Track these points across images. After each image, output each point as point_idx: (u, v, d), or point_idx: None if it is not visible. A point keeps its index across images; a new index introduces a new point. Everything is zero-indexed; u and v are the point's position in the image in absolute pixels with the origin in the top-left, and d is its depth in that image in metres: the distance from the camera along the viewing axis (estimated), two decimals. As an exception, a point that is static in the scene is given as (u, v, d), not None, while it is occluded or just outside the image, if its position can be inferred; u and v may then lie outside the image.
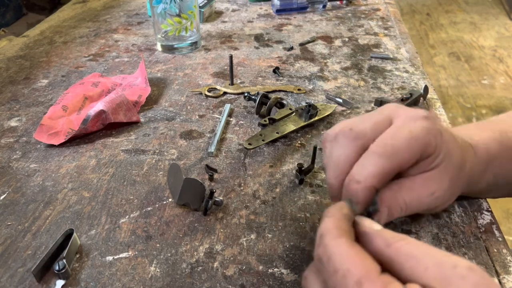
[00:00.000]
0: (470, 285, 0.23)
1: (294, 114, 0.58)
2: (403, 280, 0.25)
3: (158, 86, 0.69)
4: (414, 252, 0.25)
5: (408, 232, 0.42)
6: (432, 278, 0.24)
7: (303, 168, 0.48)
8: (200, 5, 0.93)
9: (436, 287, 0.24)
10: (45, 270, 0.38)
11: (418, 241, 0.26)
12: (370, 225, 0.29)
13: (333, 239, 0.27)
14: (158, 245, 0.41)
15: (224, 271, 0.38)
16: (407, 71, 0.72)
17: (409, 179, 0.34)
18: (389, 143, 0.31)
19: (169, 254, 0.40)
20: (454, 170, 0.35)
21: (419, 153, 0.32)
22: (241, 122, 0.60)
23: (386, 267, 0.26)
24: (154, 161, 0.52)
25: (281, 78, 0.71)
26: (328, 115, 0.60)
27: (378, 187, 0.31)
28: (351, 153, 0.33)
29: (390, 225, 0.42)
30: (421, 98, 0.63)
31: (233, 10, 1.03)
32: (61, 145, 0.55)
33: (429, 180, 0.34)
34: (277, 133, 0.55)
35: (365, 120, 0.34)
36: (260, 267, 0.39)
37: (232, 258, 0.40)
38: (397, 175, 0.34)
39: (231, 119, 0.60)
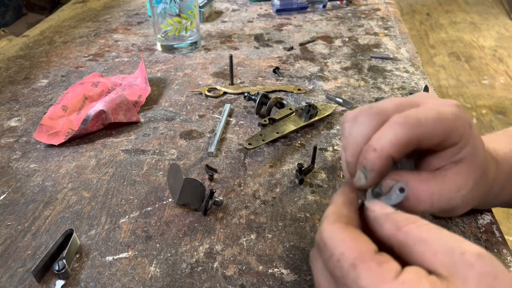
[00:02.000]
0: (476, 274, 0.23)
1: (294, 114, 0.58)
2: (413, 265, 0.25)
3: (158, 86, 0.69)
4: (425, 235, 0.25)
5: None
6: (440, 263, 0.24)
7: (303, 168, 0.48)
8: (200, 5, 0.93)
9: (443, 273, 0.23)
10: (45, 270, 0.38)
11: (430, 224, 0.26)
12: (381, 209, 0.28)
13: (328, 224, 0.27)
14: (158, 245, 0.41)
15: (224, 271, 0.38)
16: (407, 71, 0.72)
17: (440, 172, 0.32)
18: (413, 115, 0.30)
19: (169, 254, 0.40)
20: (479, 169, 0.33)
21: (444, 134, 0.30)
22: (241, 122, 0.60)
23: (397, 251, 0.26)
24: (154, 161, 0.52)
25: (281, 78, 0.71)
26: (328, 115, 0.60)
27: (395, 157, 0.30)
28: (371, 129, 0.31)
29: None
30: (421, 98, 0.63)
31: (233, 10, 1.03)
32: (61, 145, 0.55)
33: (457, 175, 0.32)
34: (277, 133, 0.55)
35: (389, 100, 0.33)
36: (260, 267, 0.39)
37: (232, 258, 0.40)
38: (423, 166, 0.33)
39: (231, 119, 0.60)
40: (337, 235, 0.26)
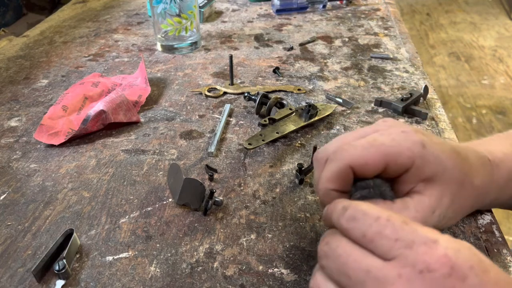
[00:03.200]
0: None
1: (294, 114, 0.58)
2: None
3: (158, 86, 0.69)
4: None
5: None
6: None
7: (303, 168, 0.48)
8: (200, 5, 0.93)
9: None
10: (45, 270, 0.38)
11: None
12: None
13: (360, 204, 0.29)
14: (158, 245, 0.41)
15: (224, 271, 0.38)
16: (407, 71, 0.72)
17: (410, 199, 0.34)
18: (342, 148, 0.33)
19: (169, 254, 0.40)
20: (453, 185, 0.34)
21: (382, 160, 0.32)
22: (241, 122, 0.60)
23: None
24: (154, 161, 0.52)
25: (281, 78, 0.71)
26: (328, 115, 0.60)
27: (337, 188, 0.33)
28: (318, 173, 0.35)
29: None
30: (421, 98, 0.63)
31: (233, 10, 1.03)
32: (61, 145, 0.55)
33: (430, 197, 0.33)
34: (277, 133, 0.55)
35: (337, 139, 0.36)
36: (260, 267, 0.39)
37: (232, 258, 0.40)
38: (397, 191, 0.34)
39: (231, 119, 0.60)
40: (373, 207, 0.28)
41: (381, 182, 0.34)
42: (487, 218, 0.43)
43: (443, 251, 0.24)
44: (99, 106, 0.57)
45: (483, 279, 0.24)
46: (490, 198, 0.39)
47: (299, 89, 0.67)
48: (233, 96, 0.66)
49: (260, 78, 0.71)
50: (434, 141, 0.34)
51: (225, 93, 0.67)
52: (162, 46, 0.81)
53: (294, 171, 0.50)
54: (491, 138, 0.43)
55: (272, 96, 0.59)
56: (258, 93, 0.60)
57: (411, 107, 0.60)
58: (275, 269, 0.39)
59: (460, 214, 0.37)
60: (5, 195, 0.48)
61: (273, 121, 0.57)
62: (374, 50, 0.80)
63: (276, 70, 0.72)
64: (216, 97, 0.66)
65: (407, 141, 0.33)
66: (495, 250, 0.40)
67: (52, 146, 0.55)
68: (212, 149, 0.53)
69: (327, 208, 0.31)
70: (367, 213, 0.27)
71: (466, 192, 0.35)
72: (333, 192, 0.33)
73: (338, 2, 1.04)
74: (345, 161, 0.32)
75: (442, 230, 0.37)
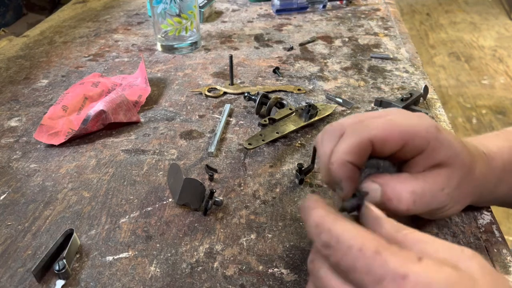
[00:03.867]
0: (477, 264, 0.25)
1: (294, 114, 0.58)
2: None
3: (158, 86, 0.69)
4: (423, 238, 0.27)
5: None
6: (442, 257, 0.25)
7: (303, 168, 0.48)
8: (200, 5, 0.93)
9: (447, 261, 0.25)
10: (45, 270, 0.38)
11: (421, 232, 0.28)
12: (378, 212, 0.30)
13: (334, 223, 0.27)
14: (158, 245, 0.41)
15: (224, 271, 0.38)
16: (407, 71, 0.72)
17: (420, 174, 0.34)
18: (364, 124, 0.33)
19: (169, 254, 0.40)
20: (463, 168, 0.35)
21: (400, 138, 0.32)
22: (241, 122, 0.60)
23: None
24: (154, 161, 0.52)
25: (281, 78, 0.71)
26: (328, 115, 0.60)
27: (353, 161, 0.32)
28: (332, 145, 0.34)
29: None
30: (421, 98, 0.63)
31: (233, 10, 1.03)
32: (61, 145, 0.55)
33: (438, 175, 0.34)
34: (277, 133, 0.55)
35: (351, 116, 0.35)
36: (260, 267, 0.39)
37: (232, 258, 0.40)
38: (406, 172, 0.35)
39: (231, 119, 0.60)
40: (351, 229, 0.27)
41: (389, 164, 0.34)
42: (487, 218, 0.43)
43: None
44: (99, 106, 0.57)
45: None
46: (487, 191, 0.40)
47: (299, 89, 0.67)
48: (233, 96, 0.66)
49: (260, 78, 0.71)
50: (445, 129, 0.35)
51: (225, 93, 0.67)
52: (162, 46, 0.81)
53: (294, 171, 0.50)
54: (485, 136, 0.44)
55: (272, 96, 0.59)
56: (258, 93, 0.60)
57: (411, 107, 0.60)
58: (275, 269, 0.39)
59: (463, 200, 0.37)
60: (5, 195, 0.48)
61: (273, 121, 0.57)
62: (374, 50, 0.80)
63: (276, 70, 0.72)
64: (216, 97, 0.66)
65: (423, 123, 0.33)
66: (495, 250, 0.40)
67: (52, 146, 0.55)
68: (212, 149, 0.53)
69: (302, 209, 0.30)
70: (340, 241, 0.26)
71: (470, 179, 0.36)
72: (349, 164, 0.32)
73: (338, 2, 1.04)
74: (367, 134, 0.32)
75: (441, 215, 0.38)
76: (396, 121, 0.33)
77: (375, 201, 0.33)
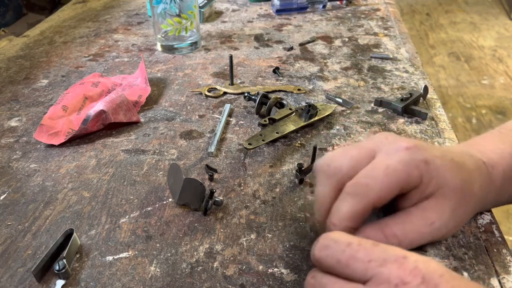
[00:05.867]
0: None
1: (294, 114, 0.58)
2: None
3: (158, 86, 0.69)
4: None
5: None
6: None
7: (303, 168, 0.48)
8: (200, 5, 0.93)
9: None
10: (45, 270, 0.38)
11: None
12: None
13: (327, 234, 0.31)
14: (158, 245, 0.41)
15: (224, 271, 0.38)
16: (407, 71, 0.72)
17: (404, 212, 0.35)
18: (362, 183, 0.33)
19: (169, 254, 0.40)
20: (454, 197, 0.34)
21: (398, 187, 0.33)
22: (241, 122, 0.60)
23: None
24: (154, 161, 0.52)
25: (281, 78, 0.71)
26: (328, 115, 0.60)
27: (354, 226, 0.33)
28: (329, 191, 0.35)
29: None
30: (421, 98, 0.63)
31: (233, 10, 1.03)
32: (61, 145, 0.55)
33: (426, 210, 0.34)
34: (277, 133, 0.55)
35: (345, 155, 0.35)
36: (260, 267, 0.39)
37: (232, 258, 0.40)
38: (395, 208, 0.35)
39: (231, 119, 0.60)
40: (343, 234, 0.30)
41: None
42: (487, 218, 0.43)
43: (414, 264, 0.26)
44: (99, 106, 0.57)
45: (454, 285, 0.26)
46: (490, 200, 0.40)
47: (299, 89, 0.67)
48: (233, 96, 0.66)
49: (260, 78, 0.71)
50: (435, 155, 0.34)
51: (225, 93, 0.67)
52: (162, 46, 0.81)
53: (294, 171, 0.50)
54: (483, 137, 0.43)
55: (272, 96, 0.59)
56: (258, 93, 0.60)
57: (411, 107, 0.60)
58: (275, 269, 0.39)
59: (462, 222, 0.37)
60: (5, 195, 0.48)
61: (273, 121, 0.57)
62: (374, 50, 0.80)
63: (276, 70, 0.72)
64: (216, 97, 0.66)
65: (414, 160, 0.33)
66: (495, 250, 0.40)
67: (52, 146, 0.55)
68: (212, 149, 0.53)
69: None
70: (338, 241, 0.29)
71: (466, 200, 0.36)
72: (352, 229, 0.33)
73: (338, 2, 1.04)
74: (368, 200, 0.32)
75: (444, 239, 0.38)
76: (389, 169, 0.33)
77: None
